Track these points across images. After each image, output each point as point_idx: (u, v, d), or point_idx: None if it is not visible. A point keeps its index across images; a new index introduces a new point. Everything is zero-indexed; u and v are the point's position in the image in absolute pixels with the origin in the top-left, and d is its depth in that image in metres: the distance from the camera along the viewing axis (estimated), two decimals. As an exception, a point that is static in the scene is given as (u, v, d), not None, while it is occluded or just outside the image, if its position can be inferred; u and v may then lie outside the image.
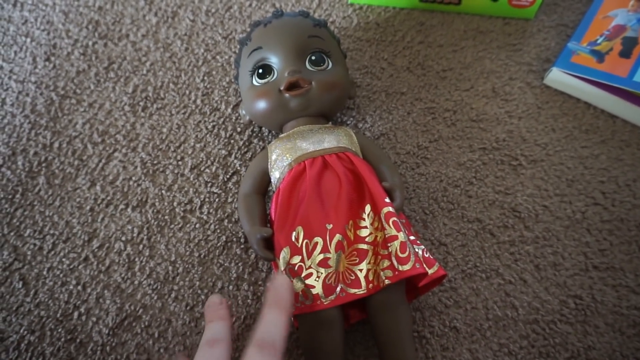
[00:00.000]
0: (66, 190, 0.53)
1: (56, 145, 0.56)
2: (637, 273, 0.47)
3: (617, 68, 0.53)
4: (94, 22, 0.64)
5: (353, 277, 0.40)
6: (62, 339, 0.46)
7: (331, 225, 0.42)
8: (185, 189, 0.53)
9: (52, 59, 0.61)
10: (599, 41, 0.56)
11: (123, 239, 0.50)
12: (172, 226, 0.51)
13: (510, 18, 0.62)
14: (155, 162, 0.54)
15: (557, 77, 0.56)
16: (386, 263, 0.40)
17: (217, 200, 0.52)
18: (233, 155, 0.54)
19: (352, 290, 0.40)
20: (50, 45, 0.62)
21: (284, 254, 0.41)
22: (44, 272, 0.49)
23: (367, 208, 0.42)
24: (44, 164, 0.54)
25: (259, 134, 0.55)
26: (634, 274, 0.47)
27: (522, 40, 0.61)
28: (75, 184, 0.53)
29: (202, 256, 0.49)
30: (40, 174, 0.54)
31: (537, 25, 0.62)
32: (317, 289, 0.40)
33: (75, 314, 0.47)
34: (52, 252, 0.50)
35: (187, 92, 0.59)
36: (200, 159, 0.54)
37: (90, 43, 0.62)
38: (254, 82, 0.49)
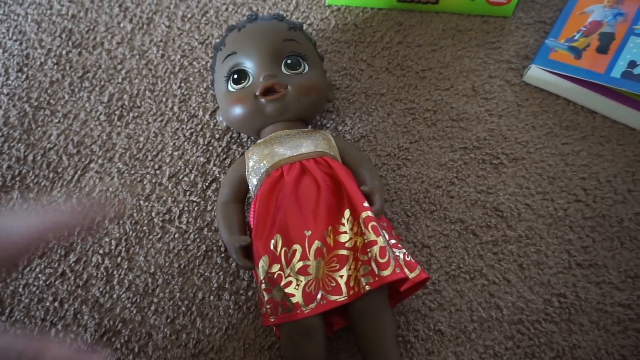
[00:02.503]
0: (41, 204, 0.52)
1: (30, 158, 0.54)
2: (620, 269, 0.47)
3: (594, 64, 0.53)
4: (67, 30, 0.63)
5: (333, 284, 0.40)
6: (39, 357, 0.45)
7: (310, 232, 0.41)
8: (164, 198, 0.52)
9: (25, 69, 0.60)
10: (576, 37, 0.56)
11: (101, 252, 0.49)
12: (150, 237, 0.50)
13: (489, 16, 0.62)
14: (132, 172, 0.53)
15: (536, 74, 0.55)
16: (366, 269, 0.39)
17: (196, 208, 0.51)
18: (212, 163, 0.54)
19: (333, 297, 0.39)
20: (22, 55, 0.61)
21: (262, 262, 0.41)
22: (20, 290, 0.48)
23: (347, 213, 0.42)
24: (17, 178, 0.53)
25: (238, 140, 0.55)
26: (617, 271, 0.47)
27: (500, 38, 0.60)
28: (50, 197, 0.52)
29: (182, 266, 0.48)
30: (14, 188, 0.53)
31: (515, 23, 0.61)
32: (297, 298, 0.39)
33: (53, 331, 0.46)
34: (28, 269, 0.49)
35: (164, 99, 0.58)
36: (179, 167, 0.53)
37: (64, 52, 0.61)
38: (230, 88, 0.48)
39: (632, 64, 0.52)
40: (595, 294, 0.46)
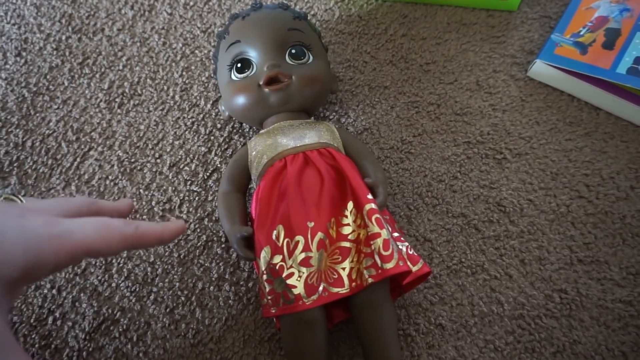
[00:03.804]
0: (40, 190, 0.51)
1: (29, 144, 0.54)
2: (621, 266, 0.47)
3: (600, 60, 0.53)
4: (67, 15, 0.62)
5: (336, 276, 0.39)
6: (37, 345, 0.44)
7: (313, 223, 0.41)
8: (164, 187, 0.51)
9: (24, 54, 0.59)
10: (582, 33, 0.55)
11: (99, 240, 0.49)
12: (150, 226, 0.49)
13: (494, 10, 0.61)
14: (132, 160, 0.53)
15: (540, 69, 0.55)
16: (369, 261, 0.39)
17: (196, 198, 0.51)
18: (213, 152, 0.53)
19: (335, 290, 0.39)
20: (21, 40, 0.60)
21: (264, 253, 0.40)
22: (17, 276, 0.47)
23: (350, 205, 0.41)
24: (15, 164, 0.52)
25: (240, 130, 0.54)
26: (618, 267, 0.47)
27: (505, 33, 0.60)
28: (49, 184, 0.52)
29: (181, 256, 0.48)
30: (12, 174, 0.52)
31: (520, 17, 0.61)
32: (299, 289, 0.39)
33: (50, 318, 0.45)
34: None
35: (165, 87, 0.57)
36: (179, 157, 0.53)
37: (63, 37, 0.60)
38: (233, 77, 0.47)
39: (637, 60, 0.52)
40: (597, 290, 0.46)
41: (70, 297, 0.46)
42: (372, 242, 0.39)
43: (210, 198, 0.51)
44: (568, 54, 0.54)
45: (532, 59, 0.57)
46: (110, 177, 0.52)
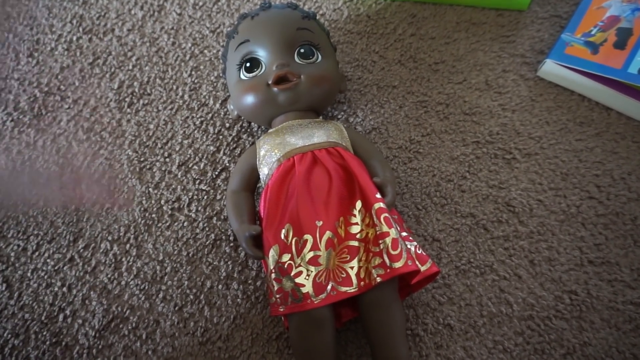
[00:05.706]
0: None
1: (40, 143, 0.54)
2: (632, 267, 0.46)
3: (611, 59, 0.52)
4: (78, 16, 0.62)
5: (344, 275, 0.39)
6: (47, 342, 0.45)
7: (321, 222, 0.41)
8: (173, 186, 0.52)
9: (36, 54, 0.60)
10: (593, 32, 0.55)
11: (109, 238, 0.49)
12: (159, 225, 0.50)
13: (504, 9, 0.61)
14: (142, 159, 0.53)
15: (551, 69, 0.55)
16: (378, 260, 0.39)
17: (205, 197, 0.51)
18: (222, 152, 0.53)
19: (343, 289, 0.39)
20: (33, 40, 0.61)
21: (272, 252, 0.40)
22: (28, 274, 0.48)
23: (358, 204, 0.41)
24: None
25: (248, 129, 0.54)
26: (629, 269, 0.46)
27: (515, 32, 0.60)
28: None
29: (190, 255, 0.48)
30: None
31: (530, 17, 0.60)
32: (307, 288, 0.39)
33: (61, 316, 0.46)
34: (37, 253, 0.49)
35: (174, 87, 0.57)
36: (188, 156, 0.53)
37: (74, 38, 0.61)
38: (242, 76, 0.47)
39: (649, 60, 0.51)
40: (607, 291, 0.45)
41: (81, 295, 0.47)
42: (380, 241, 0.39)
43: (218, 197, 0.51)
44: (579, 54, 0.54)
45: (542, 59, 0.57)
46: (120, 176, 0.52)
